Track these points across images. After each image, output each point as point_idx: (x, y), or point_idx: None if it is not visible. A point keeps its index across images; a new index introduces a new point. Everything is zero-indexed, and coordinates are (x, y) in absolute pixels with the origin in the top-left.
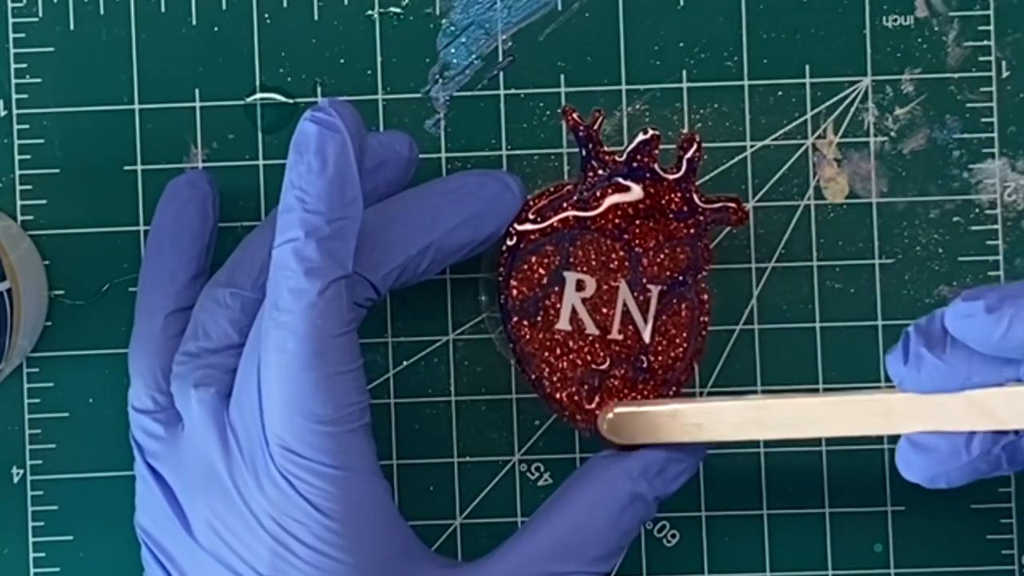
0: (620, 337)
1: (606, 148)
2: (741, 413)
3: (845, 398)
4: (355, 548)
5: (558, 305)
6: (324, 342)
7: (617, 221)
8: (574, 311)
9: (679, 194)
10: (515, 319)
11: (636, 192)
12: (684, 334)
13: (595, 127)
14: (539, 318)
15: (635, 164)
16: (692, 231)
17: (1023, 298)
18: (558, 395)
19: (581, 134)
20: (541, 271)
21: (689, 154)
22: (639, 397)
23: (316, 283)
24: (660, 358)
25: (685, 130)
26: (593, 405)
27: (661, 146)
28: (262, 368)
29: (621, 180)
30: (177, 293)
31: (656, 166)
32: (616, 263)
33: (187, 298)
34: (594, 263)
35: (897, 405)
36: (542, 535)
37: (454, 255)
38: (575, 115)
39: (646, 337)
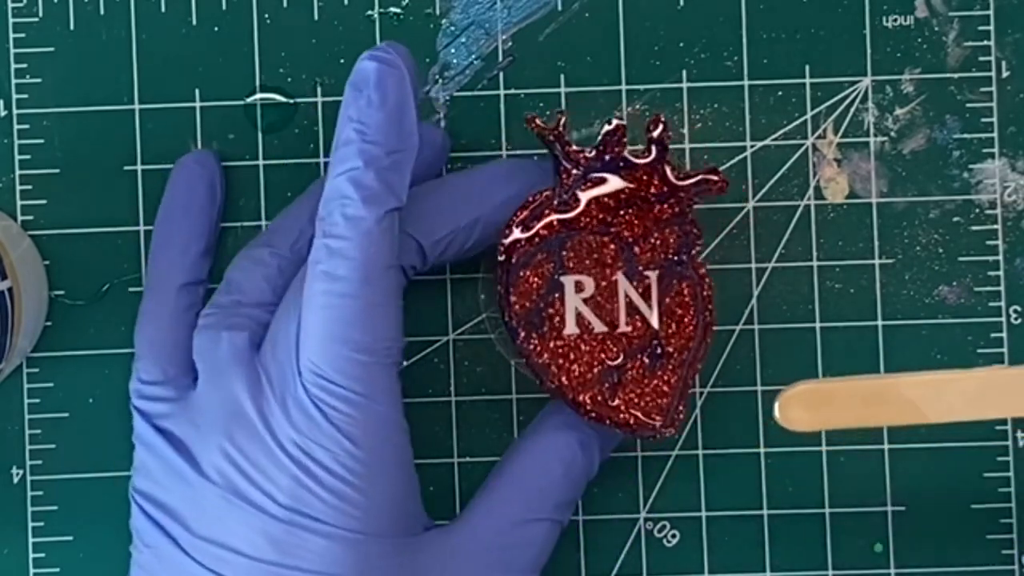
0: (629, 329)
1: (575, 147)
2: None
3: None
4: (375, 481)
5: (562, 311)
6: (374, 271)
7: (601, 216)
8: (579, 313)
9: (655, 176)
10: (523, 334)
11: (614, 183)
12: (691, 312)
13: (559, 128)
14: (545, 328)
15: (607, 157)
16: (676, 210)
17: None
18: (581, 398)
19: (549, 138)
20: (537, 281)
21: (655, 134)
22: (660, 384)
23: (374, 211)
24: (673, 340)
25: (685, 130)
26: (617, 402)
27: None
28: (305, 300)
29: (596, 175)
30: (190, 266)
31: (627, 153)
32: (609, 257)
33: (198, 271)
34: (588, 262)
35: None
36: (508, 487)
37: (496, 235)
38: (538, 120)
39: (654, 323)
